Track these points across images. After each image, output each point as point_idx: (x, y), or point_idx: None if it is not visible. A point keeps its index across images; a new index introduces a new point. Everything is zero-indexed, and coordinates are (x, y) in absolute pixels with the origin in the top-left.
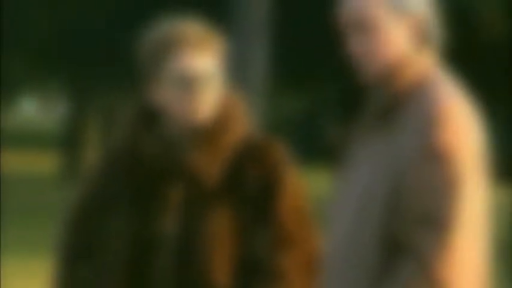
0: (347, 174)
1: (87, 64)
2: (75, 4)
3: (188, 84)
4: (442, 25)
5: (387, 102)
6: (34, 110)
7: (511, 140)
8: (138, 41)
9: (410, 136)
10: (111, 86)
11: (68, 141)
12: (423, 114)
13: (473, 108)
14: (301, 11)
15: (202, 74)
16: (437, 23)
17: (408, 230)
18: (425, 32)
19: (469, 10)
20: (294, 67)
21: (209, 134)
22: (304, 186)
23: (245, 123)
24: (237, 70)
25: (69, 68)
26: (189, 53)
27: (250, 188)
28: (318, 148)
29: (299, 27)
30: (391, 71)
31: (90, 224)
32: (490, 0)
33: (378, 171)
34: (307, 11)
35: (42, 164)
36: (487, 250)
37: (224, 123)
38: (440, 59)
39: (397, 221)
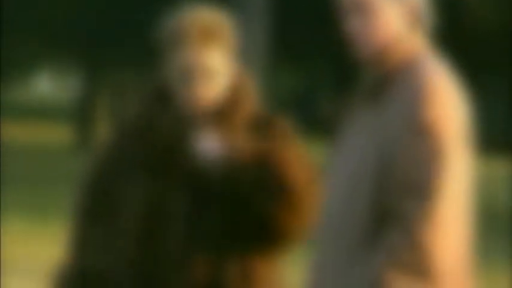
0: (341, 147)
1: (98, 43)
2: None
3: (192, 76)
4: (433, 12)
5: (378, 79)
6: (49, 87)
7: (502, 115)
8: (155, 25)
9: (398, 111)
10: (121, 63)
11: (80, 115)
12: (411, 90)
13: (460, 87)
14: None
15: (207, 68)
16: (428, 10)
17: (395, 199)
18: (417, 17)
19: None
20: (290, 43)
21: (220, 114)
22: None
23: (254, 102)
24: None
25: (81, 46)
26: (196, 45)
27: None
28: (313, 122)
29: (296, 5)
30: (384, 50)
31: (107, 187)
32: None
33: (368, 144)
34: None
35: (54, 136)
36: (472, 218)
37: (234, 103)
38: (431, 42)
39: (385, 190)
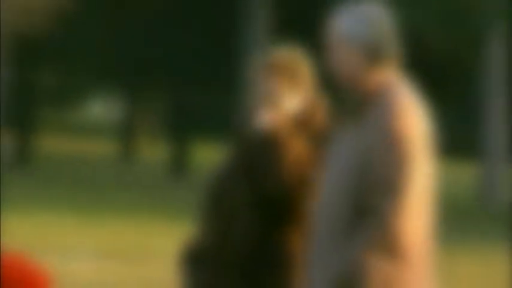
0: (331, 154)
1: (138, 73)
2: (139, 32)
3: (267, 104)
4: (397, 43)
5: (355, 103)
6: (100, 108)
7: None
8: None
9: (374, 126)
10: (155, 89)
11: (124, 132)
12: (383, 110)
13: (423, 105)
14: None
15: (280, 100)
16: (392, 42)
17: (371, 196)
18: (377, 52)
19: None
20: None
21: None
22: None
23: (321, 120)
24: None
25: (126, 75)
26: (276, 80)
27: None
28: None
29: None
30: (349, 83)
31: (218, 192)
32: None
33: (350, 153)
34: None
35: (104, 149)
36: (433, 211)
37: (306, 120)
38: (399, 68)
39: (363, 190)
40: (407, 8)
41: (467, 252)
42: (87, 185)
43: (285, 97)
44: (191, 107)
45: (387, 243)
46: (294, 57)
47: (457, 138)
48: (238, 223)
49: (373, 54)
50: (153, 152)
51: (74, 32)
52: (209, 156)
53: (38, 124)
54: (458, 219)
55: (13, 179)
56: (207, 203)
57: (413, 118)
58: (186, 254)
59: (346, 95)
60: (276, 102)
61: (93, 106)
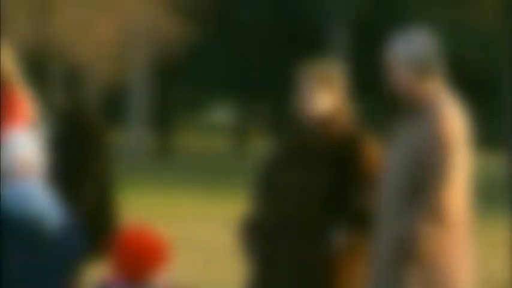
0: (393, 149)
1: (252, 88)
2: (252, 57)
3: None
4: (440, 63)
5: (412, 111)
6: (222, 115)
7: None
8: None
9: (426, 126)
10: (264, 96)
11: (239, 133)
12: (433, 115)
13: (462, 109)
14: None
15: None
16: (436, 62)
17: (424, 178)
18: (425, 69)
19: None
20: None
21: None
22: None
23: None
24: None
25: (238, 87)
26: (312, 88)
27: None
28: None
29: None
30: (406, 94)
31: (271, 172)
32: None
33: (409, 147)
34: None
35: (222, 146)
36: (469, 190)
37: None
38: (442, 80)
39: (418, 173)
40: (449, 35)
41: (498, 222)
42: (212, 172)
43: (320, 99)
44: (288, 111)
45: (436, 214)
46: (330, 70)
47: (490, 131)
48: (292, 201)
49: (422, 71)
50: (261, 146)
51: (203, 54)
52: None
53: (176, 125)
54: (489, 196)
55: (156, 168)
56: (262, 183)
57: (455, 120)
58: (247, 225)
59: (403, 103)
60: (314, 102)
61: (216, 111)
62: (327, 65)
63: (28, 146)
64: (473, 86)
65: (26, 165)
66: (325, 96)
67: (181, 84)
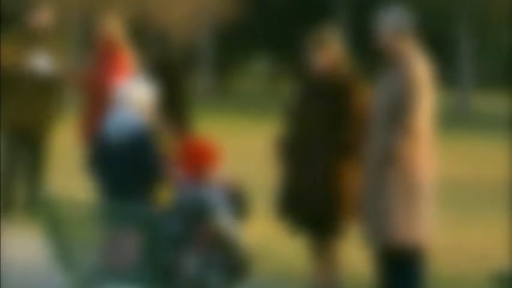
0: (377, 92)
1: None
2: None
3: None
4: (412, 30)
5: (391, 63)
6: (260, 67)
7: None
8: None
9: (400, 73)
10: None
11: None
12: (406, 65)
13: (425, 58)
14: None
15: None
16: (409, 29)
17: (400, 108)
18: (401, 31)
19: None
20: None
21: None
22: None
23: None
24: None
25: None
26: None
27: None
28: None
29: None
30: (386, 50)
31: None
32: None
33: (388, 90)
34: None
35: (262, 89)
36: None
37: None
38: (415, 42)
39: (395, 104)
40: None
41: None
42: (256, 107)
43: (323, 56)
44: (305, 64)
45: (408, 130)
46: (330, 35)
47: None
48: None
49: (398, 34)
50: (288, 89)
51: (247, 24)
52: None
53: (230, 72)
54: (446, 120)
55: (216, 102)
56: (289, 113)
57: (421, 67)
58: (280, 142)
59: (385, 57)
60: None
61: (257, 63)
62: (329, 31)
63: (139, 88)
64: (434, 42)
65: (141, 102)
66: (327, 53)
67: (233, 45)
